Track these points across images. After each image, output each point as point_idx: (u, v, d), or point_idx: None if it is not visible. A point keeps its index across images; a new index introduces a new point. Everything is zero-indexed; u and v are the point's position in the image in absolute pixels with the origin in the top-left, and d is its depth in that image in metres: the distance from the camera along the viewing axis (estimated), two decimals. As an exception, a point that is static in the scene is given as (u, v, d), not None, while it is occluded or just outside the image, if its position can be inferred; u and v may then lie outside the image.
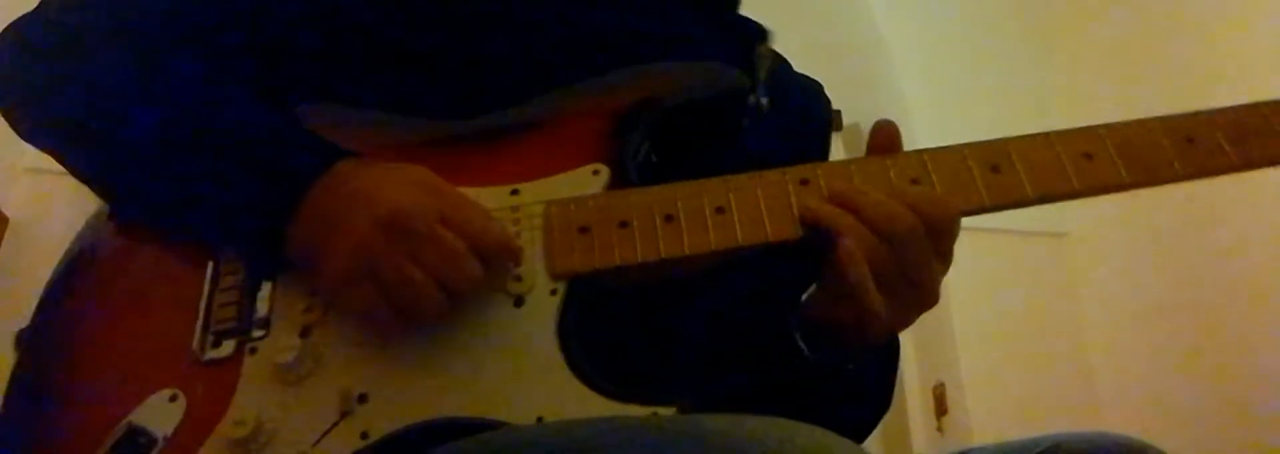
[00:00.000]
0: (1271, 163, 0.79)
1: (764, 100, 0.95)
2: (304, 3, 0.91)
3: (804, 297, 0.85)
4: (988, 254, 3.16)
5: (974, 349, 3.02)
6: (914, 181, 0.79)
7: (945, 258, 0.79)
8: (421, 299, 0.75)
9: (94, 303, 0.85)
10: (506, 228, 0.79)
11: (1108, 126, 0.80)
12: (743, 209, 0.79)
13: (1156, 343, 2.93)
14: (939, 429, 3.07)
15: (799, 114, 1.04)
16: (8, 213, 2.38)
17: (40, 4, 0.92)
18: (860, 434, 0.95)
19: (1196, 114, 0.80)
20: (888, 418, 3.55)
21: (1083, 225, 3.17)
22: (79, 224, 0.93)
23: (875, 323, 0.78)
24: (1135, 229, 3.05)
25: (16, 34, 0.91)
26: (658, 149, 0.87)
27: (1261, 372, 2.61)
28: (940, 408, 3.09)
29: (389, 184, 0.77)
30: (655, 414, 0.71)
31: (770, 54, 1.00)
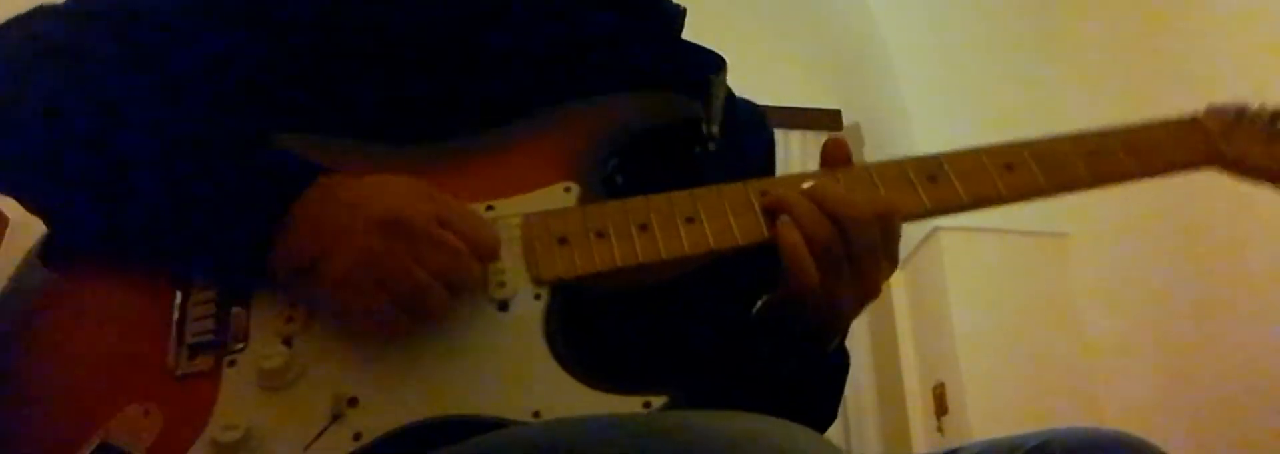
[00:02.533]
0: (1158, 172, 0.93)
1: (715, 129, 0.99)
2: (271, 34, 0.91)
3: (761, 301, 0.90)
4: (988, 254, 3.16)
5: (974, 349, 3.03)
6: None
7: (892, 258, 0.86)
8: (429, 298, 0.76)
9: (62, 321, 0.83)
10: (494, 229, 0.82)
11: (1026, 142, 0.92)
12: (711, 217, 0.85)
13: (1156, 343, 2.93)
14: (939, 429, 3.07)
15: (747, 140, 1.09)
16: (8, 213, 2.38)
17: (17, 20, 0.91)
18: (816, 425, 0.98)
19: (1099, 130, 0.94)
20: (888, 418, 3.57)
21: (1083, 225, 3.17)
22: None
23: (811, 299, 0.83)
24: (1135, 229, 3.05)
25: None
26: (623, 172, 0.91)
27: (1261, 371, 2.61)
28: (940, 408, 3.09)
29: (383, 191, 0.79)
30: (647, 403, 0.74)
31: (722, 83, 1.05)
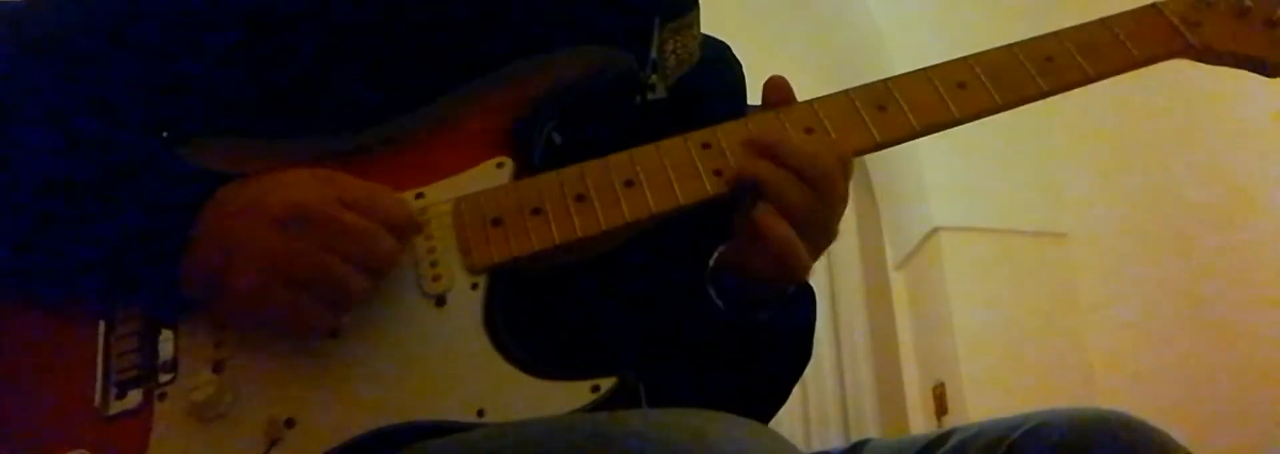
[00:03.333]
0: (1119, 71, 0.86)
1: (654, 75, 0.94)
2: (178, 32, 0.87)
3: (716, 253, 0.86)
4: (988, 254, 3.16)
5: (974, 349, 3.02)
6: (808, 130, 0.83)
7: (843, 198, 0.82)
8: (346, 285, 0.73)
9: None
10: (406, 201, 0.78)
11: (975, 55, 0.86)
12: (651, 179, 0.80)
13: (1156, 342, 2.93)
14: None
15: (710, 80, 1.03)
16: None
17: None
18: (784, 386, 0.95)
19: (1052, 34, 0.88)
20: (888, 418, 3.57)
21: (1083, 225, 3.17)
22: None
23: (800, 267, 0.80)
24: (1135, 230, 3.05)
25: None
26: (560, 130, 0.87)
27: (1261, 371, 2.61)
28: (940, 408, 3.09)
29: (278, 186, 0.75)
30: (596, 387, 0.71)
31: (683, 25, 0.99)
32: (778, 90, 0.85)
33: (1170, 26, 0.88)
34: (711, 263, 0.86)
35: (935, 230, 3.15)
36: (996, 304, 3.09)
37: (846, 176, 0.81)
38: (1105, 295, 3.10)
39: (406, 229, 0.76)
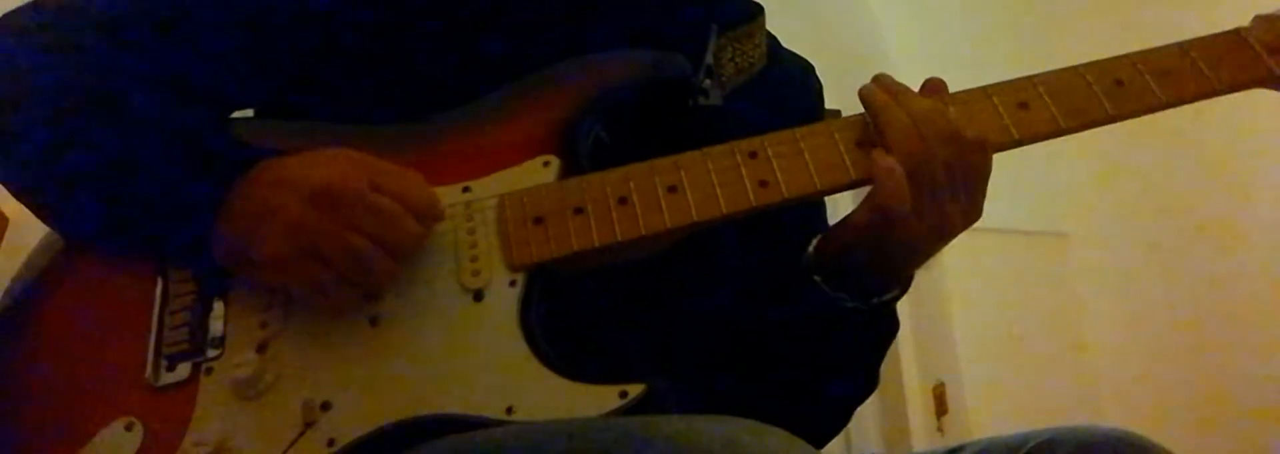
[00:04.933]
0: (1196, 98, 0.82)
1: (707, 81, 0.94)
2: (242, 15, 0.90)
3: (811, 247, 0.86)
4: (988, 254, 3.16)
5: (974, 349, 3.02)
6: (859, 144, 0.81)
7: (971, 198, 0.81)
8: (370, 263, 0.75)
9: (41, 334, 0.84)
10: (433, 189, 0.79)
11: (1039, 75, 0.83)
12: (695, 186, 0.80)
13: (1156, 343, 2.93)
14: (939, 429, 3.07)
15: (787, 91, 1.04)
16: (8, 213, 2.38)
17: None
18: (835, 414, 0.96)
19: (1123, 56, 0.83)
20: (888, 418, 3.58)
21: (1083, 225, 3.17)
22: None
23: (904, 225, 0.78)
24: (1135, 229, 3.05)
25: None
26: (609, 132, 0.87)
27: (1261, 372, 2.61)
28: (940, 408, 3.09)
29: (312, 164, 0.78)
30: (624, 393, 0.72)
31: (744, 33, 0.99)
32: (936, 90, 0.84)
33: (1253, 53, 0.83)
34: (810, 250, 0.86)
35: (935, 230, 3.15)
36: (996, 304, 3.09)
37: (965, 159, 0.79)
38: (1105, 295, 3.09)
39: (430, 215, 0.78)
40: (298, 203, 0.75)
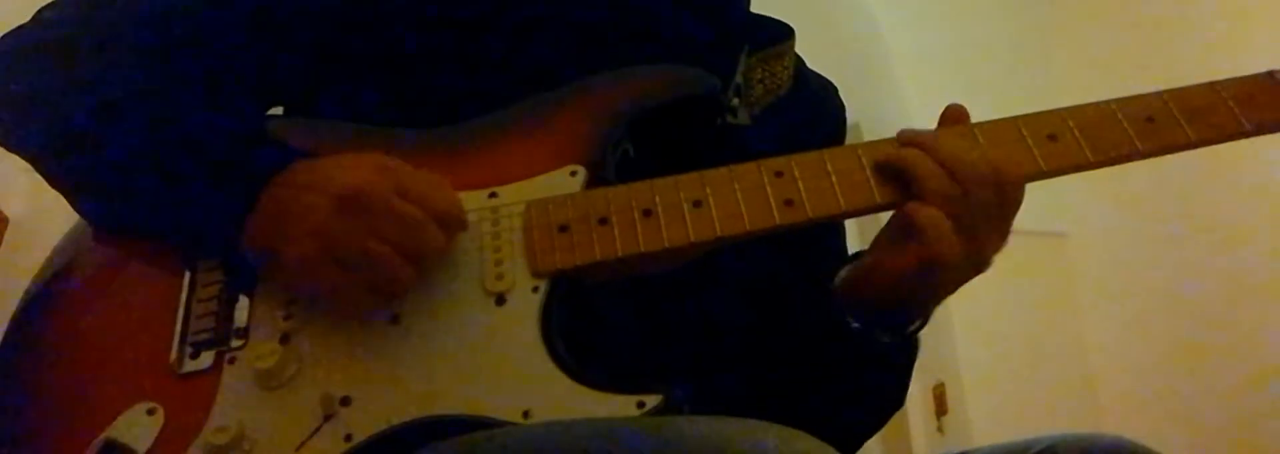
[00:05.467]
0: (1226, 139, 0.82)
1: (736, 100, 0.95)
2: (278, 15, 0.91)
3: (837, 278, 0.87)
4: (988, 254, 3.16)
5: (974, 349, 3.02)
6: (886, 168, 0.81)
7: (1004, 229, 0.81)
8: (390, 271, 0.76)
9: (69, 318, 0.85)
10: (459, 198, 0.80)
11: (1069, 108, 0.83)
12: (720, 202, 0.80)
13: (1156, 343, 2.93)
14: (939, 429, 3.07)
15: (812, 113, 1.04)
16: (8, 213, 2.38)
17: (35, 16, 0.93)
18: (855, 436, 0.96)
19: (1153, 93, 0.83)
20: (888, 418, 3.40)
21: (1083, 225, 3.17)
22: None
23: (945, 266, 0.78)
24: (1135, 229, 3.05)
25: (6, 44, 0.92)
26: (636, 146, 0.88)
27: (1261, 372, 2.61)
28: (940, 408, 3.09)
29: (341, 168, 0.78)
30: (641, 403, 0.72)
31: (774, 54, 1.00)
32: (958, 117, 0.85)
33: None
34: (837, 282, 0.86)
35: (935, 230, 3.15)
36: (996, 304, 3.09)
37: (1003, 199, 0.79)
38: (1105, 295, 3.10)
39: (454, 223, 0.79)
40: (324, 207, 0.76)
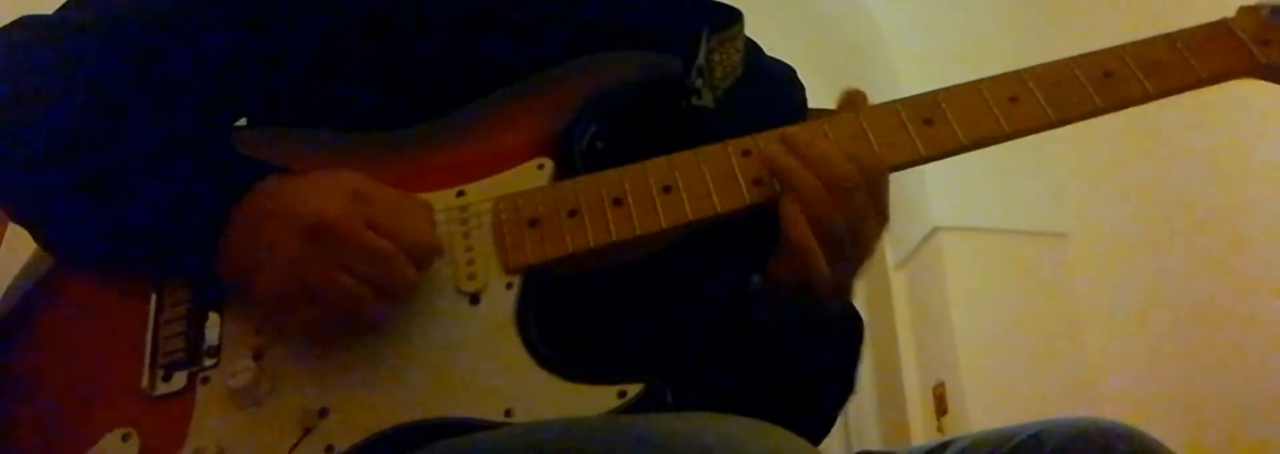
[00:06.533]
0: (1182, 89, 0.82)
1: (700, 81, 0.94)
2: (236, 24, 0.89)
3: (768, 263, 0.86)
4: (988, 254, 3.16)
5: (974, 349, 3.02)
6: (853, 138, 0.82)
7: (882, 213, 0.81)
8: (360, 307, 0.74)
9: (37, 347, 0.84)
10: (431, 226, 0.79)
11: (1029, 69, 0.83)
12: (689, 185, 0.80)
13: (1156, 343, 2.93)
14: (939, 429, 3.07)
15: (772, 96, 1.04)
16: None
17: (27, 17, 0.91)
18: (823, 418, 0.95)
19: (1112, 48, 0.84)
20: (888, 418, 3.57)
21: (1083, 225, 3.17)
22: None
23: (820, 280, 0.80)
24: (1135, 229, 3.05)
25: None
26: (603, 134, 0.87)
27: (1261, 371, 2.62)
28: (940, 408, 3.09)
29: (313, 194, 0.76)
30: (622, 393, 0.72)
31: (728, 36, 1.00)
32: (856, 102, 0.85)
33: (1239, 44, 0.84)
34: (758, 274, 0.86)
35: (935, 230, 3.15)
36: (996, 304, 3.09)
37: (873, 190, 0.80)
38: (1105, 295, 3.10)
39: (426, 255, 0.77)
40: (294, 238, 0.74)
